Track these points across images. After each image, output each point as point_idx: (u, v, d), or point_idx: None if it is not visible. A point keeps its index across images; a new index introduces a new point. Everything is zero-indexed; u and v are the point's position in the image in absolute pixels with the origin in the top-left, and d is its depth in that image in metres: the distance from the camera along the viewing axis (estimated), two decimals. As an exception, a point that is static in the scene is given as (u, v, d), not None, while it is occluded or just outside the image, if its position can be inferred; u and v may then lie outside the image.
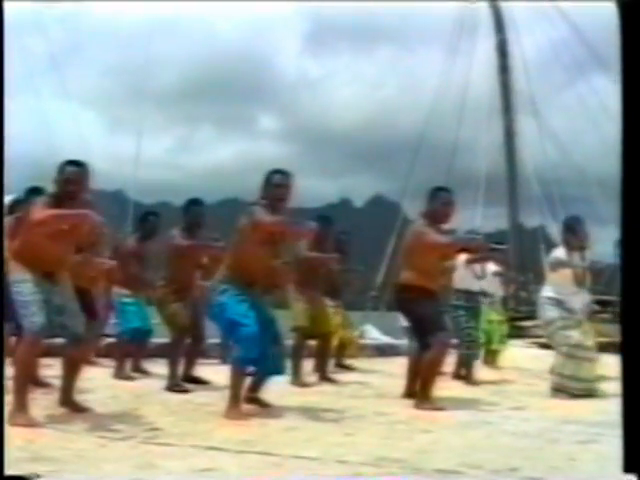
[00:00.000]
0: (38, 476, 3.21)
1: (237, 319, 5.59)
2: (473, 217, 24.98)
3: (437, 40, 26.64)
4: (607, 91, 26.26)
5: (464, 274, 8.73)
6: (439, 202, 6.48)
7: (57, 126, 22.23)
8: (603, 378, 7.36)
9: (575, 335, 7.28)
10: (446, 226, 6.54)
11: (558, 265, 7.42)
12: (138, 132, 22.74)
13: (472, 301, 8.95)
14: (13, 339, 5.59)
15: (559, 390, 7.24)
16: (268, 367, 5.74)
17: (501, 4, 26.36)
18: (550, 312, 7.44)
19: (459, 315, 8.85)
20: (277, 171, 5.71)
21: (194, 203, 7.52)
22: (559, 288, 7.40)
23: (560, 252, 7.50)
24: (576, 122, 27.21)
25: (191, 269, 7.44)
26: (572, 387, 7.24)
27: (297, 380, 7.68)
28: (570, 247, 7.42)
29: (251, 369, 5.83)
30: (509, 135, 25.82)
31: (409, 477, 3.40)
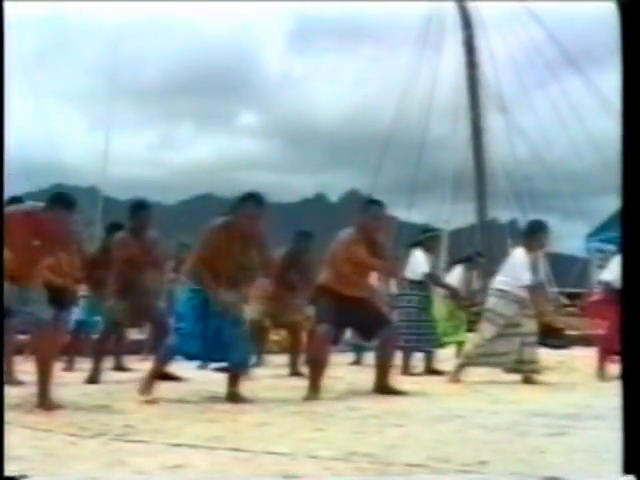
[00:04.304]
0: (25, 477, 3.18)
1: (180, 314, 6.26)
2: (441, 212, 25.14)
3: (419, 38, 26.88)
4: (578, 93, 26.51)
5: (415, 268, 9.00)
6: (369, 216, 6.64)
7: (28, 124, 22.11)
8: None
9: (489, 330, 7.82)
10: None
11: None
12: (107, 129, 22.77)
13: (423, 290, 9.14)
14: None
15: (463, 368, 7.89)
16: (232, 359, 6.16)
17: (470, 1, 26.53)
18: (490, 302, 7.97)
19: (410, 307, 9.04)
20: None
21: (140, 206, 7.78)
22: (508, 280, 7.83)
23: (520, 251, 7.87)
24: (545, 121, 27.39)
25: (136, 269, 7.68)
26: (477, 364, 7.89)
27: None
28: (530, 249, 7.84)
29: (223, 366, 6.11)
30: (476, 130, 25.97)
31: (378, 472, 3.41)
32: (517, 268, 7.77)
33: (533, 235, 7.85)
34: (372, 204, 6.77)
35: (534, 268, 7.74)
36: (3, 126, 3.99)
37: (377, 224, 6.68)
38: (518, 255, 7.84)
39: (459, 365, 8.04)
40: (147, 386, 6.09)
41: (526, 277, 7.70)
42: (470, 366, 7.94)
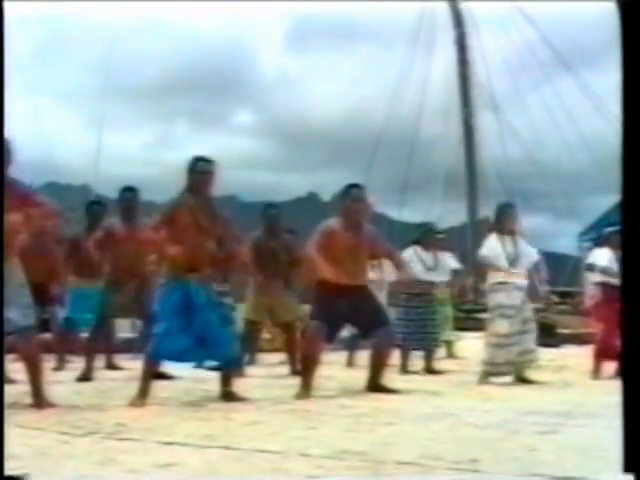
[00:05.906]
0: (26, 476, 3.18)
1: (158, 312, 5.87)
2: (432, 211, 25.19)
3: (412, 38, 26.98)
4: (570, 93, 26.58)
5: (414, 265, 8.95)
6: (349, 199, 6.59)
7: (22, 122, 22.05)
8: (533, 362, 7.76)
9: (503, 325, 7.56)
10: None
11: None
12: (100, 127, 22.73)
13: (425, 291, 9.10)
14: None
15: (488, 376, 7.59)
16: (217, 354, 5.98)
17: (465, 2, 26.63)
18: (494, 298, 7.73)
19: (411, 307, 9.01)
20: (199, 159, 6.01)
21: (127, 190, 7.58)
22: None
23: (492, 238, 7.79)
24: (537, 121, 27.45)
25: (128, 257, 7.40)
26: (502, 373, 7.64)
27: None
28: (501, 232, 7.75)
29: (214, 365, 6.00)
30: (468, 129, 26.04)
31: (370, 470, 3.41)
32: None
33: (500, 218, 7.87)
34: (352, 188, 6.68)
35: (509, 250, 7.69)
36: (3, 126, 3.98)
37: (359, 206, 6.63)
38: (485, 242, 7.90)
39: (483, 373, 7.69)
40: (140, 396, 5.74)
41: (481, 254, 7.76)
42: (495, 375, 7.62)
